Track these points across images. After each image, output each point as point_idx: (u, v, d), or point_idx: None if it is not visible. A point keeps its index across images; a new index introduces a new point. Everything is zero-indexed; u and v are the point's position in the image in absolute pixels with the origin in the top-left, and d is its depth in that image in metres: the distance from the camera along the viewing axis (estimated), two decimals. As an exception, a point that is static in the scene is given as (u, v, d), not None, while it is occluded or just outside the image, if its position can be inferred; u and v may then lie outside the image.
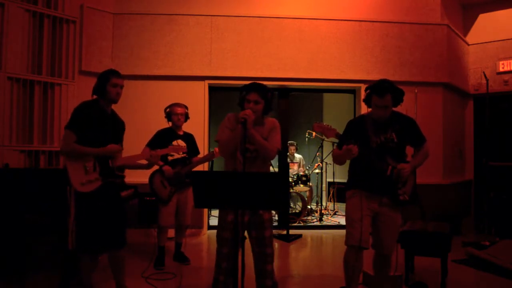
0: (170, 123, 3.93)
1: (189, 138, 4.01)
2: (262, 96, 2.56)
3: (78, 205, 2.56)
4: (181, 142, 3.88)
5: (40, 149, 4.36)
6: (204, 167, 5.12)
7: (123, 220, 2.73)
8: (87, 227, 2.54)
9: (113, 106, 2.82)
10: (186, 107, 4.00)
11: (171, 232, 4.15)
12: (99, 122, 2.64)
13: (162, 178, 3.73)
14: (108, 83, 2.66)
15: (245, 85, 2.62)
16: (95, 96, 2.73)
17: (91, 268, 2.76)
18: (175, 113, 3.87)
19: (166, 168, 3.71)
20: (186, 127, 4.09)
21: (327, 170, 7.00)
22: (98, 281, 3.16)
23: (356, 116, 5.70)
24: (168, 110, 3.91)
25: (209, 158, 3.93)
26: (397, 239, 2.78)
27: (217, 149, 3.56)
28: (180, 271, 3.59)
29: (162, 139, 3.79)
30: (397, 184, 2.67)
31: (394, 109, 2.76)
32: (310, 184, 6.61)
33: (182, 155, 3.84)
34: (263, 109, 2.60)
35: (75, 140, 2.54)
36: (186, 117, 3.98)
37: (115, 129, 2.79)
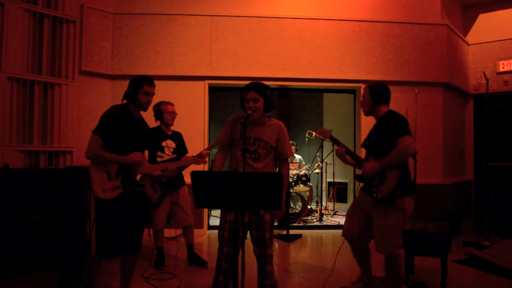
0: (158, 122, 3.79)
1: (178, 137, 3.88)
2: (260, 93, 2.56)
3: (97, 210, 2.52)
4: (170, 143, 3.78)
5: (40, 149, 4.37)
6: (204, 167, 5.12)
7: (141, 227, 2.71)
8: (106, 232, 2.52)
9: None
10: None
11: (169, 233, 4.09)
12: (127, 128, 2.59)
13: (153, 181, 3.61)
14: (140, 90, 2.61)
15: (244, 86, 2.64)
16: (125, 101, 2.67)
17: (97, 269, 2.74)
18: (168, 111, 3.75)
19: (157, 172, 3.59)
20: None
21: (327, 170, 6.99)
22: (99, 282, 3.16)
23: (356, 116, 5.71)
24: (157, 108, 3.75)
25: (198, 161, 3.43)
26: (392, 240, 2.65)
27: (204, 152, 3.45)
28: (180, 271, 3.59)
29: (151, 139, 3.62)
30: (372, 182, 2.72)
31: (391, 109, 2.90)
32: (310, 184, 6.61)
33: (172, 156, 3.73)
34: (263, 107, 2.60)
35: (101, 145, 2.50)
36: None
37: (141, 135, 2.74)
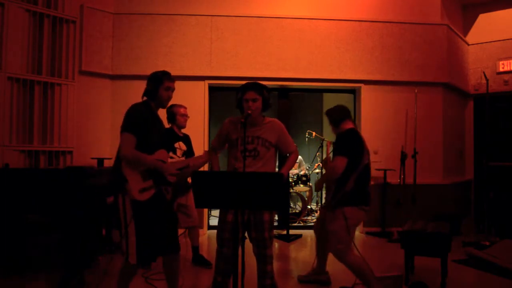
0: (170, 124, 3.82)
1: (188, 140, 3.92)
2: (259, 93, 2.58)
3: (136, 215, 2.39)
4: (182, 145, 3.80)
5: (40, 149, 4.37)
6: (204, 167, 5.12)
7: (176, 225, 2.65)
8: (146, 236, 2.40)
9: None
10: None
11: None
12: (151, 125, 2.53)
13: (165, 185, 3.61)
14: (161, 86, 2.53)
15: (240, 87, 2.64)
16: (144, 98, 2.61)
17: (130, 274, 2.60)
18: (181, 114, 3.77)
19: (170, 177, 3.58)
20: (186, 127, 4.07)
21: (327, 170, 6.98)
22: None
23: (356, 116, 5.71)
24: (170, 110, 3.79)
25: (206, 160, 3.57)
26: (335, 243, 2.89)
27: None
28: (184, 272, 3.58)
29: (164, 140, 3.70)
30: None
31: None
32: (310, 184, 6.61)
33: (181, 158, 3.71)
34: (262, 106, 2.60)
35: (135, 143, 2.39)
36: None
37: (162, 132, 2.69)
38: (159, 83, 2.53)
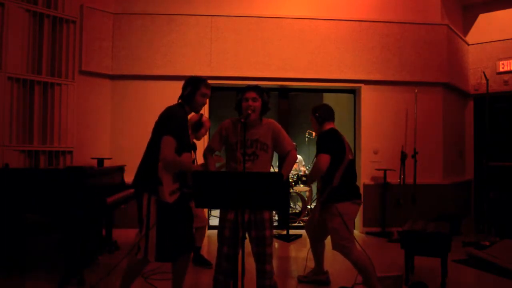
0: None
1: (195, 148, 3.93)
2: (259, 94, 2.60)
3: (161, 215, 2.43)
4: (192, 154, 3.83)
5: (40, 149, 4.37)
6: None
7: (192, 225, 2.70)
8: (170, 236, 2.45)
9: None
10: None
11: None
12: (185, 129, 2.58)
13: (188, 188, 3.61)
14: (198, 92, 2.56)
15: (241, 88, 2.66)
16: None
17: (138, 272, 2.66)
18: (206, 128, 3.80)
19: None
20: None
21: (327, 170, 6.98)
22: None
23: (356, 116, 5.71)
24: (201, 120, 3.69)
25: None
26: (337, 240, 2.95)
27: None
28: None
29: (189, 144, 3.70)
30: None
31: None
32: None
33: None
34: (261, 108, 2.62)
35: (176, 147, 2.42)
36: None
37: (188, 136, 2.73)
38: (197, 88, 2.56)
